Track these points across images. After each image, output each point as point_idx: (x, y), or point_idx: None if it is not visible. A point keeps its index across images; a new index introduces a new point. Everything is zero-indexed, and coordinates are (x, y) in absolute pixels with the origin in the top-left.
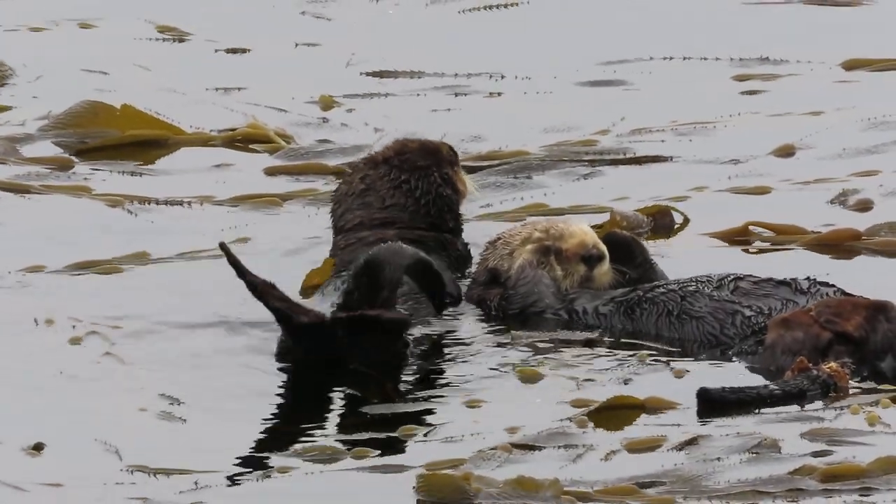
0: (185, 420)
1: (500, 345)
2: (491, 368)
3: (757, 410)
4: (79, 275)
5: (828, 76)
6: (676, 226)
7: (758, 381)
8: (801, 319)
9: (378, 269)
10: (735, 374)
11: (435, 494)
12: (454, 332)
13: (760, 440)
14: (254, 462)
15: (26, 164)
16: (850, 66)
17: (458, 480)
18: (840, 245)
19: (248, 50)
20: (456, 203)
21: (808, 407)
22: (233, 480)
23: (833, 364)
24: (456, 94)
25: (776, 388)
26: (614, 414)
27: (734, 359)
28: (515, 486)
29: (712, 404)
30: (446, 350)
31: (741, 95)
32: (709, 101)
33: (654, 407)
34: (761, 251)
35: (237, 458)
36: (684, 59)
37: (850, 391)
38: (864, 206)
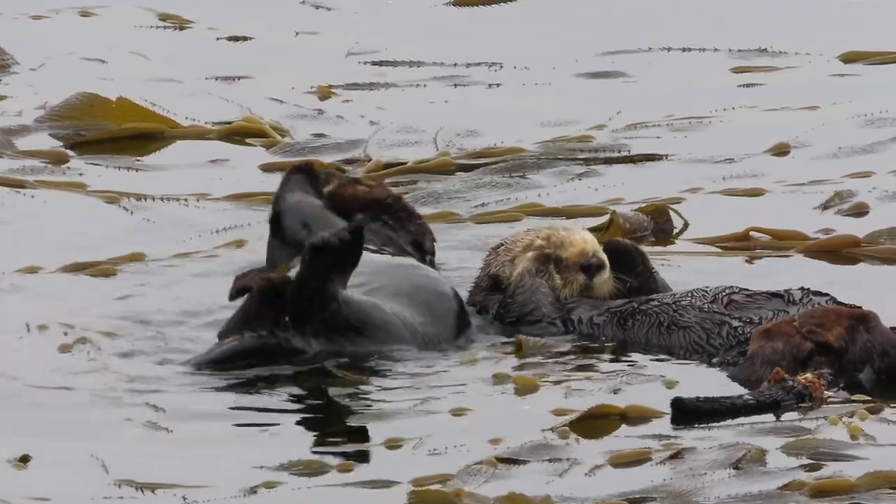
0: (171, 431)
1: (498, 352)
2: (485, 376)
3: (732, 420)
4: (73, 276)
5: (826, 69)
6: (676, 230)
7: (736, 390)
8: (783, 330)
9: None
10: (715, 384)
11: None
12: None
13: (745, 452)
14: (240, 476)
15: (21, 157)
16: (849, 58)
17: (450, 497)
18: (839, 252)
19: (250, 38)
20: None
21: (788, 417)
22: (219, 495)
23: (809, 375)
24: (455, 86)
25: (750, 398)
26: (596, 423)
27: (717, 369)
28: (506, 502)
29: (686, 413)
30: (442, 355)
31: (739, 88)
32: (706, 94)
33: (635, 416)
34: (761, 257)
35: (223, 472)
36: (683, 50)
37: (826, 402)
38: (860, 210)
